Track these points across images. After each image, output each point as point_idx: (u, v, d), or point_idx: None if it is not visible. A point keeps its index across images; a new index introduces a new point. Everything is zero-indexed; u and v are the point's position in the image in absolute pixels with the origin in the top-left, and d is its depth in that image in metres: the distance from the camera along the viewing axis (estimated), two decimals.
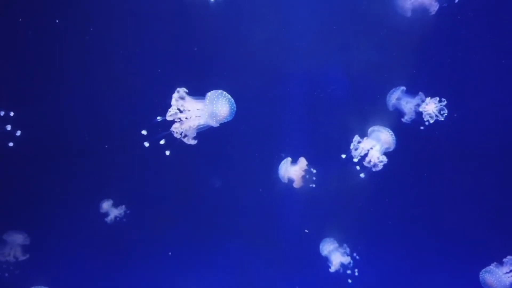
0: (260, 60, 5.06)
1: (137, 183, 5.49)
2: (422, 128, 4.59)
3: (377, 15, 4.89)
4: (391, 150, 4.41)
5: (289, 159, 5.03)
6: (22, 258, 4.97)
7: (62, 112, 5.04)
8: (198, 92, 3.67)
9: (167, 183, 5.48)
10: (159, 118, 3.52)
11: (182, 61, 5.18)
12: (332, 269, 5.11)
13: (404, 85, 4.73)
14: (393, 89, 4.74)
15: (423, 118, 4.59)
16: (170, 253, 5.58)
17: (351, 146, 4.33)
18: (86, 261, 5.33)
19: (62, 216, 5.22)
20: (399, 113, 4.78)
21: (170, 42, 5.06)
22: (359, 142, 4.31)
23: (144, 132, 3.50)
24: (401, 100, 4.70)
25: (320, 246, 5.31)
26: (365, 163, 4.21)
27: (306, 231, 5.53)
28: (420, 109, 4.30)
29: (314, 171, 4.95)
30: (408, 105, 4.66)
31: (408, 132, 4.60)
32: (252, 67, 5.09)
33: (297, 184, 4.96)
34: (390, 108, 4.79)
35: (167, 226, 5.54)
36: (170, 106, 3.55)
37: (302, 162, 4.91)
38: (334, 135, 5.27)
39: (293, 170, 4.97)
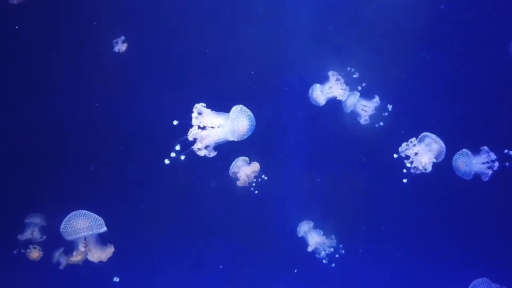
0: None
1: (137, 182, 5.48)
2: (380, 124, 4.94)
3: (375, 16, 5.09)
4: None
5: (247, 158, 4.97)
6: (39, 239, 5.13)
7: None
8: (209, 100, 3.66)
9: (164, 184, 5.42)
10: (175, 122, 3.46)
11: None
12: (309, 249, 5.20)
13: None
14: (350, 92, 4.95)
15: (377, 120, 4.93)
16: (221, 266, 5.54)
17: (403, 147, 4.24)
18: None
19: None
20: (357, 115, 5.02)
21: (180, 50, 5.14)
22: (414, 145, 4.25)
23: (173, 154, 3.47)
24: (357, 103, 4.94)
25: (297, 228, 5.39)
26: (406, 162, 4.22)
27: (295, 270, 5.64)
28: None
29: (266, 178, 4.94)
30: (364, 108, 4.95)
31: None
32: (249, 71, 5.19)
33: (240, 183, 4.92)
34: (347, 111, 5.00)
35: (163, 227, 5.55)
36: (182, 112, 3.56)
37: (255, 166, 4.91)
38: (333, 137, 5.47)
39: (244, 170, 4.93)
